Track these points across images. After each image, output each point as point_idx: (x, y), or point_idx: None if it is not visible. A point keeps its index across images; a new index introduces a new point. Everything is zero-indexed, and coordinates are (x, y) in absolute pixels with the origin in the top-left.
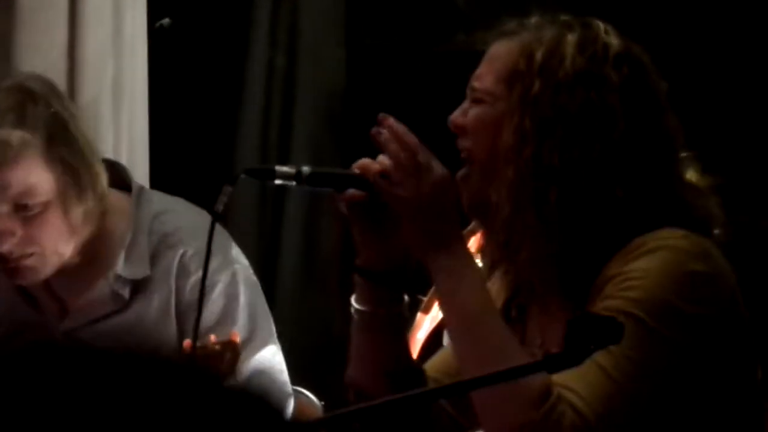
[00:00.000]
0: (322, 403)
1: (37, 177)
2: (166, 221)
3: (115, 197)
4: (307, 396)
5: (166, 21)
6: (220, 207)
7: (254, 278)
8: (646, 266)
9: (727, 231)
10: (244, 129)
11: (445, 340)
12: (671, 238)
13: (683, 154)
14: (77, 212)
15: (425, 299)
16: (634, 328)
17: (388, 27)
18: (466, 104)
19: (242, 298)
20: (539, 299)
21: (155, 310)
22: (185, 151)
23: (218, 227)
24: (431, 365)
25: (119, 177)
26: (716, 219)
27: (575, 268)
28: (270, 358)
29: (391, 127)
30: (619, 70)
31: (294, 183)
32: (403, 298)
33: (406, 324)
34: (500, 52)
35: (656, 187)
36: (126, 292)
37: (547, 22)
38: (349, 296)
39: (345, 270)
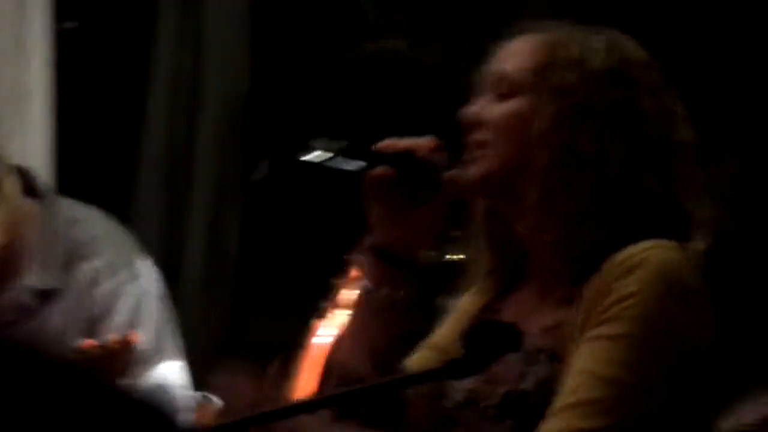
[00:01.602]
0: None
1: None
2: (78, 230)
3: (26, 205)
4: (209, 399)
5: (71, 24)
6: (257, 176)
7: (162, 292)
8: (636, 286)
9: (713, 237)
10: (149, 132)
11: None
12: (660, 248)
13: (694, 162)
14: None
15: (325, 306)
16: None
17: (295, 32)
18: (485, 96)
19: (148, 313)
20: (528, 285)
21: (62, 320)
22: (90, 155)
23: (128, 238)
24: (436, 337)
25: (30, 184)
26: (703, 226)
27: (587, 255)
28: (172, 373)
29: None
30: (647, 73)
31: (331, 155)
32: (410, 281)
33: (407, 308)
34: (528, 44)
35: (667, 189)
36: (34, 301)
37: (565, 25)
38: (251, 303)
39: (245, 275)
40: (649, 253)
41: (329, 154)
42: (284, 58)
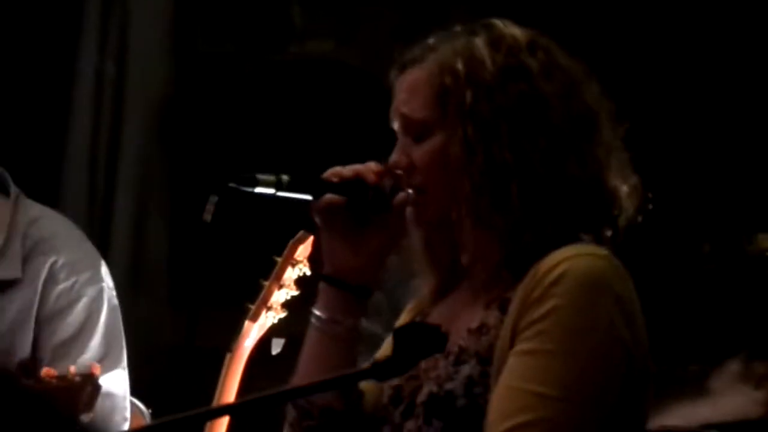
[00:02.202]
0: (150, 410)
1: None
2: (41, 227)
3: None
4: (135, 404)
5: None
6: (208, 217)
7: (116, 301)
8: (560, 300)
9: (715, 257)
10: (73, 137)
11: (274, 348)
12: (583, 257)
13: (614, 125)
14: None
15: (253, 307)
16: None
17: (220, 36)
18: (402, 141)
19: (102, 318)
20: (458, 290)
21: (16, 312)
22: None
23: (88, 241)
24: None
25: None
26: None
27: (526, 252)
28: (116, 382)
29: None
30: (535, 56)
31: (274, 191)
32: (364, 308)
33: (360, 335)
34: (419, 78)
35: (593, 167)
36: None
37: (446, 36)
38: (178, 305)
39: (173, 279)
40: (572, 264)
41: (273, 189)
42: (209, 63)
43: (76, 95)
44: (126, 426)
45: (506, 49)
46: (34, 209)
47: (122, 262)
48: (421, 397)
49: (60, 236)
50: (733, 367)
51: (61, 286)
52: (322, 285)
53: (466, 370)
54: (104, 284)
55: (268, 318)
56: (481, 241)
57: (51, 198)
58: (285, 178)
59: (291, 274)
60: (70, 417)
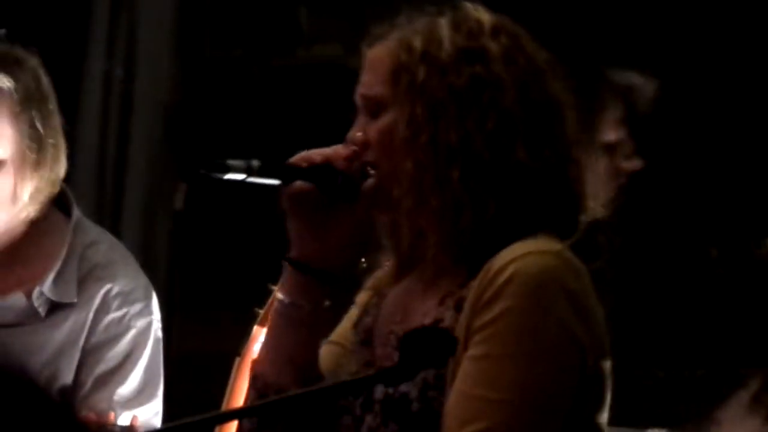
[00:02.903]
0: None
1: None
2: (98, 252)
3: (57, 217)
4: None
5: (1, 31)
6: (179, 204)
7: (161, 333)
8: (511, 302)
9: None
10: (81, 140)
11: None
12: (534, 255)
13: (575, 117)
14: (28, 185)
15: (262, 312)
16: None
17: (227, 40)
18: (361, 119)
19: (147, 351)
20: (410, 278)
21: (65, 337)
22: None
23: (141, 272)
24: (336, 332)
25: (63, 200)
26: (583, 202)
27: (478, 245)
28: (150, 416)
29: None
30: (498, 39)
31: (245, 176)
32: (329, 294)
33: (326, 322)
34: (379, 55)
35: (547, 158)
36: (43, 311)
37: (415, 15)
38: (187, 309)
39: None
40: (521, 264)
41: (243, 175)
42: (216, 67)
43: (84, 99)
44: None
45: (467, 30)
46: (93, 232)
47: None
48: (378, 394)
49: (116, 264)
50: (743, 398)
51: (111, 316)
52: (286, 268)
53: (420, 372)
54: (153, 317)
55: None
56: (420, 222)
57: None
58: (255, 163)
59: None
60: None
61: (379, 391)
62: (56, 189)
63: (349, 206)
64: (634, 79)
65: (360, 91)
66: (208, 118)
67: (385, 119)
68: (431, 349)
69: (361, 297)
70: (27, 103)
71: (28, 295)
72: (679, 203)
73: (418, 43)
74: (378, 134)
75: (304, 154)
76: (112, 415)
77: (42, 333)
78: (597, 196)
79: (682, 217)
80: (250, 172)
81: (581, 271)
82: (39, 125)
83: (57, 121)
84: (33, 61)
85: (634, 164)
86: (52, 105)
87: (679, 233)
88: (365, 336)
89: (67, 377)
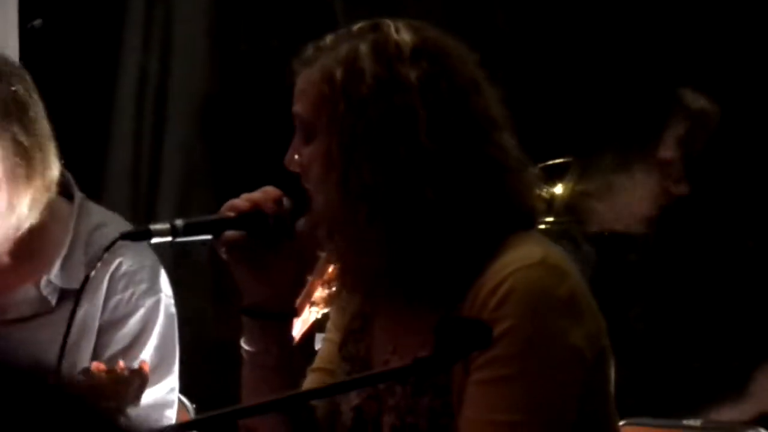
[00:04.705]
0: (194, 406)
1: None
2: (104, 235)
3: (59, 204)
4: (180, 400)
5: (38, 22)
6: (92, 274)
7: (173, 309)
8: (510, 322)
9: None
10: (116, 132)
11: (317, 343)
12: (523, 270)
13: (508, 138)
14: (24, 198)
15: (297, 302)
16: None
17: (263, 31)
18: (297, 138)
19: (157, 329)
20: (387, 308)
21: (79, 323)
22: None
23: (149, 250)
24: (320, 358)
25: (64, 185)
26: (539, 212)
27: (416, 277)
28: (165, 393)
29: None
30: (418, 64)
31: (171, 238)
32: (290, 332)
33: (298, 361)
34: (306, 81)
35: (475, 178)
36: (54, 299)
37: (341, 36)
38: (223, 298)
39: (218, 272)
40: (513, 282)
41: (169, 238)
42: (252, 58)
43: (120, 91)
44: None
45: (386, 58)
46: (98, 215)
47: (166, 257)
48: (386, 428)
49: (121, 245)
50: None
51: (118, 296)
52: (243, 319)
53: (425, 402)
54: (162, 294)
55: (312, 313)
56: (339, 257)
57: (94, 194)
58: (179, 223)
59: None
60: (117, 409)
61: (386, 425)
62: (53, 192)
63: (288, 245)
64: (703, 102)
65: (294, 108)
66: (243, 111)
67: (313, 148)
68: (465, 338)
69: (336, 318)
70: (6, 119)
71: (38, 286)
72: (715, 196)
73: (339, 75)
74: (307, 160)
75: (230, 203)
76: (121, 362)
77: (57, 324)
78: (635, 213)
79: (719, 209)
80: (175, 233)
81: (566, 270)
82: (23, 138)
83: (41, 126)
84: (4, 69)
85: (681, 189)
86: (33, 112)
87: (715, 226)
88: (360, 365)
89: (86, 364)
